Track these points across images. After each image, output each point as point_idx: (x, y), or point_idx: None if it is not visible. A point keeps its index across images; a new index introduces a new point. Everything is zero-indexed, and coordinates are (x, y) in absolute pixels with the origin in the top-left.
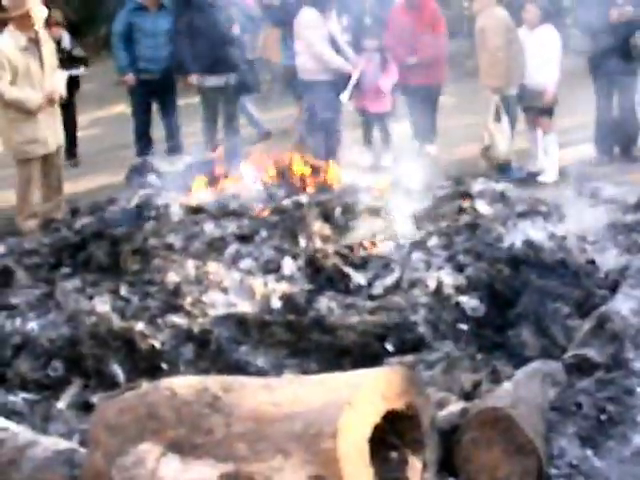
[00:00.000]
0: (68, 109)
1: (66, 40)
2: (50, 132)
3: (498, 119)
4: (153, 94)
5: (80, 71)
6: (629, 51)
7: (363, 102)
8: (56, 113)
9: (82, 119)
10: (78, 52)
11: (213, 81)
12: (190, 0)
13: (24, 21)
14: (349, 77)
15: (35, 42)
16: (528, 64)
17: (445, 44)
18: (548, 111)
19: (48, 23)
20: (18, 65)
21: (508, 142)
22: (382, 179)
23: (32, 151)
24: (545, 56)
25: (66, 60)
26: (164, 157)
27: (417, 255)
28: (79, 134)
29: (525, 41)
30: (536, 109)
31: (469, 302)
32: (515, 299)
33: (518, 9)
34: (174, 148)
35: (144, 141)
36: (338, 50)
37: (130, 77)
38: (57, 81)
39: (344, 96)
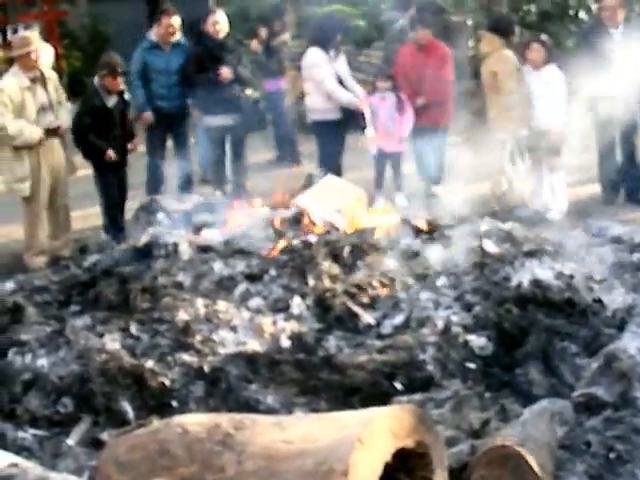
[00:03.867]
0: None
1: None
2: (46, 169)
3: (513, 162)
4: (168, 131)
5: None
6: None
7: (378, 142)
8: (56, 148)
9: None
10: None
11: (220, 120)
12: (200, 39)
13: (27, 61)
14: (359, 115)
15: (40, 81)
16: (534, 104)
17: (453, 85)
18: (555, 150)
19: (113, 73)
20: (20, 104)
21: (525, 185)
22: (391, 219)
23: (20, 190)
24: (551, 96)
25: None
26: (174, 196)
27: (426, 294)
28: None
29: (530, 81)
30: (543, 148)
31: (477, 341)
32: (523, 338)
33: (521, 49)
34: (186, 185)
35: (157, 179)
36: (345, 89)
37: (148, 114)
38: (61, 115)
39: (369, 131)
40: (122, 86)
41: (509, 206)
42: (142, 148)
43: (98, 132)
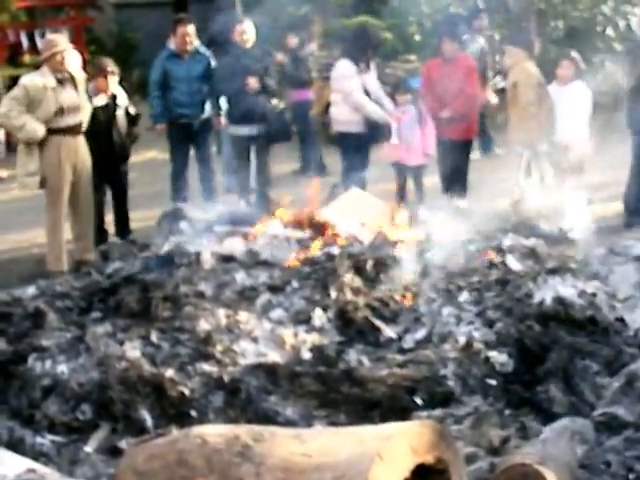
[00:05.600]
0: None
1: (123, 95)
2: (68, 168)
3: (529, 174)
4: (190, 139)
5: None
6: None
7: (398, 155)
8: (80, 148)
9: None
10: (132, 110)
11: (245, 130)
12: (227, 48)
13: (54, 62)
14: (384, 128)
15: (69, 82)
16: (558, 120)
17: (478, 99)
18: (577, 167)
19: (102, 73)
20: (38, 101)
21: (538, 197)
22: (413, 233)
23: (30, 184)
24: (575, 113)
25: (126, 119)
26: (197, 204)
27: (448, 310)
28: None
29: (556, 97)
30: (565, 164)
31: (498, 357)
32: (544, 355)
33: (549, 65)
34: (208, 193)
35: (181, 186)
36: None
37: (160, 127)
38: (86, 115)
39: (393, 139)
40: (114, 89)
41: (524, 216)
42: (161, 155)
43: None
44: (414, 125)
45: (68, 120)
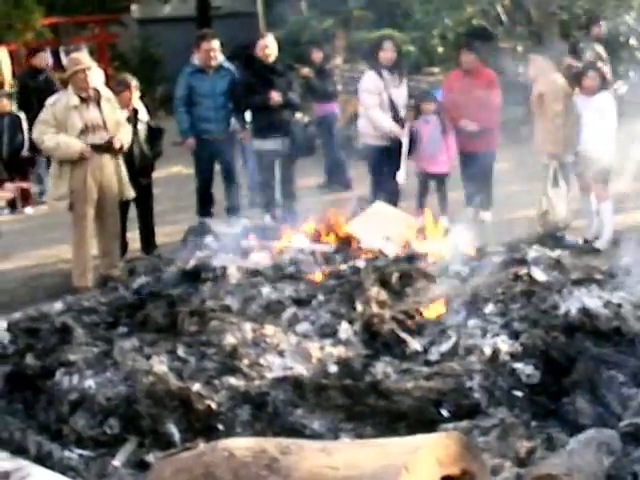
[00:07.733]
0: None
1: (143, 110)
2: (93, 186)
3: (556, 185)
4: (215, 154)
5: None
6: None
7: (421, 164)
8: (107, 166)
9: None
10: (154, 124)
11: (269, 144)
12: (250, 63)
13: (77, 80)
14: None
15: (94, 101)
16: (584, 131)
17: (500, 111)
18: (603, 178)
19: (126, 88)
20: (63, 121)
21: (565, 208)
22: (438, 245)
23: (58, 207)
24: (601, 123)
25: (149, 134)
26: (223, 219)
27: (473, 321)
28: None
29: (581, 107)
30: (591, 175)
31: (524, 369)
32: (570, 367)
33: (574, 76)
34: (234, 208)
35: (206, 201)
36: (397, 115)
37: (191, 141)
38: (119, 134)
39: (400, 176)
40: (135, 104)
41: (550, 227)
42: (186, 170)
43: None
44: (437, 135)
45: (93, 138)
